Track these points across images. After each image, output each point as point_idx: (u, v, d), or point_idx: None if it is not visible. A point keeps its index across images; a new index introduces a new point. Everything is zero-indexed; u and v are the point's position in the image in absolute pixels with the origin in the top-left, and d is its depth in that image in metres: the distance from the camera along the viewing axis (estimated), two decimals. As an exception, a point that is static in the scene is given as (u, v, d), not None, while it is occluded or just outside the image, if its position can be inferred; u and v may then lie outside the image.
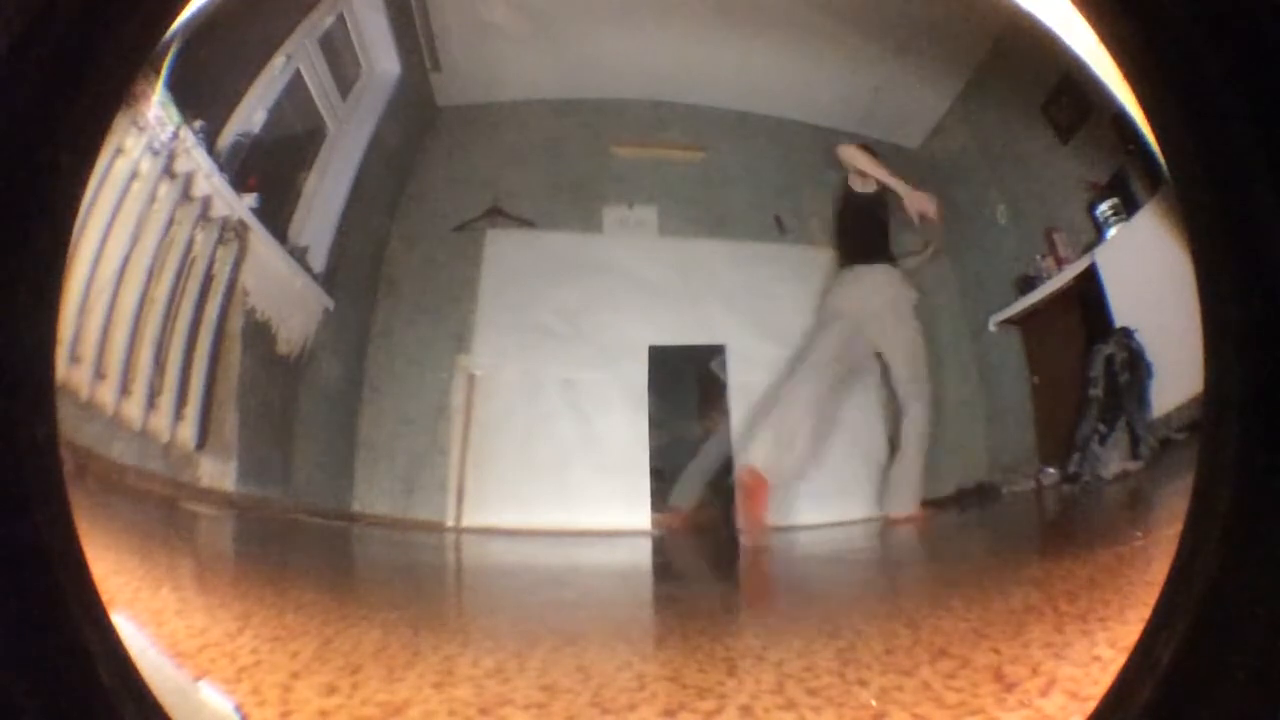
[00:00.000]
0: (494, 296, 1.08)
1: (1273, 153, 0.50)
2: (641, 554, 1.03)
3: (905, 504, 1.03)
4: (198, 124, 0.95)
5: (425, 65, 1.10)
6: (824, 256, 1.12)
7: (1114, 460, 0.96)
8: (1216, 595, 0.52)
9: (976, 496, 1.01)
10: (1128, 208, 0.95)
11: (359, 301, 1.04)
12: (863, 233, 1.11)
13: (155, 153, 0.93)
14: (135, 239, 0.92)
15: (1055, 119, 1.00)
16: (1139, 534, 0.81)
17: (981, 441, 1.05)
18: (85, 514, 0.56)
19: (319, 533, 0.99)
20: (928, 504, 1.04)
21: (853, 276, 1.09)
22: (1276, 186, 0.51)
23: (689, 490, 1.03)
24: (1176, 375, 0.85)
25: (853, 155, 1.08)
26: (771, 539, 1.03)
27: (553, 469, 1.04)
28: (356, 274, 1.05)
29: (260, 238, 1.00)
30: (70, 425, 0.68)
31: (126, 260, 0.91)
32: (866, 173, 1.08)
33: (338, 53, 1.08)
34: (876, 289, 1.10)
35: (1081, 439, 0.98)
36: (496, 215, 1.09)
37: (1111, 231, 0.98)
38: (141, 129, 0.90)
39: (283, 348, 1.01)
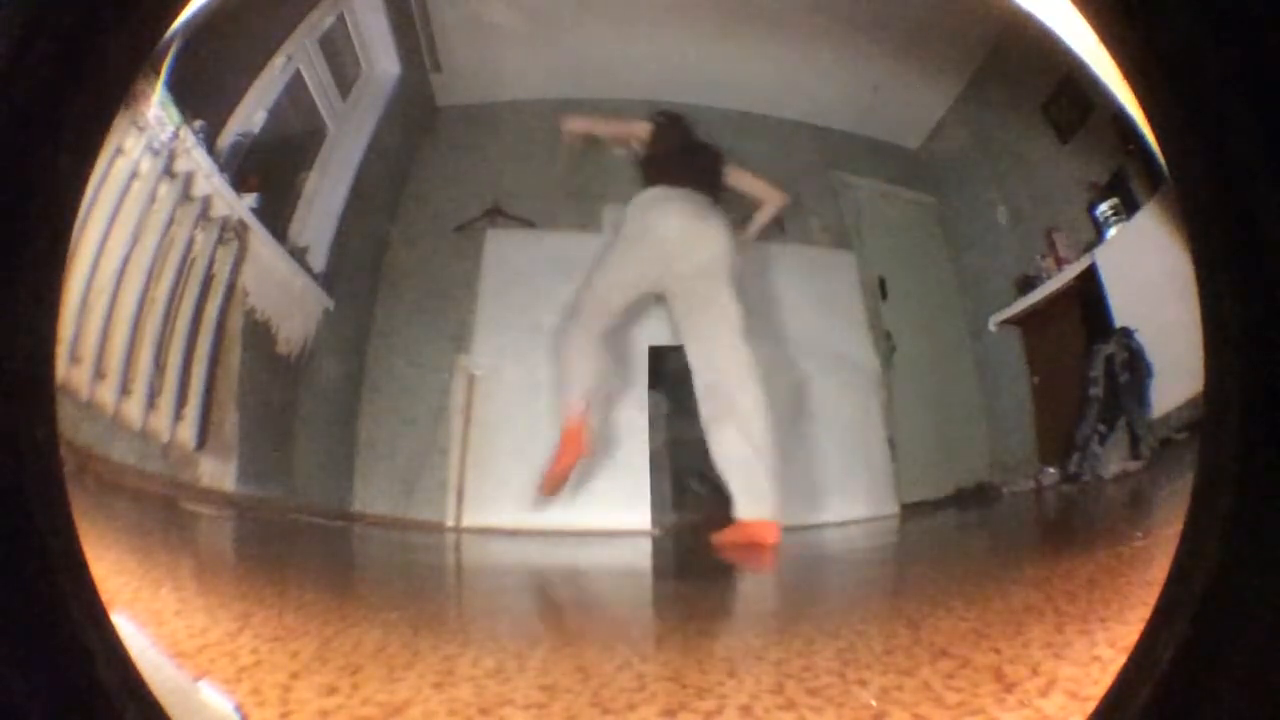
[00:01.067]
0: (494, 296, 1.08)
1: (1273, 153, 0.50)
2: (641, 554, 1.03)
3: (759, 509, 0.99)
4: (198, 124, 0.95)
5: (425, 65, 1.10)
6: (824, 256, 1.12)
7: (1114, 460, 0.96)
8: (1216, 595, 0.52)
9: (976, 496, 1.01)
10: (1128, 208, 0.95)
11: (359, 301, 1.05)
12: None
13: (155, 153, 0.93)
14: (135, 239, 0.92)
15: (1055, 119, 1.00)
16: (1139, 534, 0.81)
17: (981, 441, 1.05)
18: (85, 514, 0.56)
19: (319, 533, 0.99)
20: (926, 504, 1.04)
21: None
22: (1277, 186, 0.51)
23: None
24: (1176, 375, 0.85)
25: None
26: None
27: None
28: (356, 274, 1.06)
29: (260, 238, 1.00)
30: (70, 425, 0.68)
31: (126, 260, 0.91)
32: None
33: (338, 53, 1.08)
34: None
35: (1081, 439, 0.98)
36: (496, 215, 1.09)
37: (1111, 231, 0.98)
38: (141, 129, 0.90)
39: (283, 348, 1.01)
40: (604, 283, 1.03)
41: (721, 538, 0.98)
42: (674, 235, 1.05)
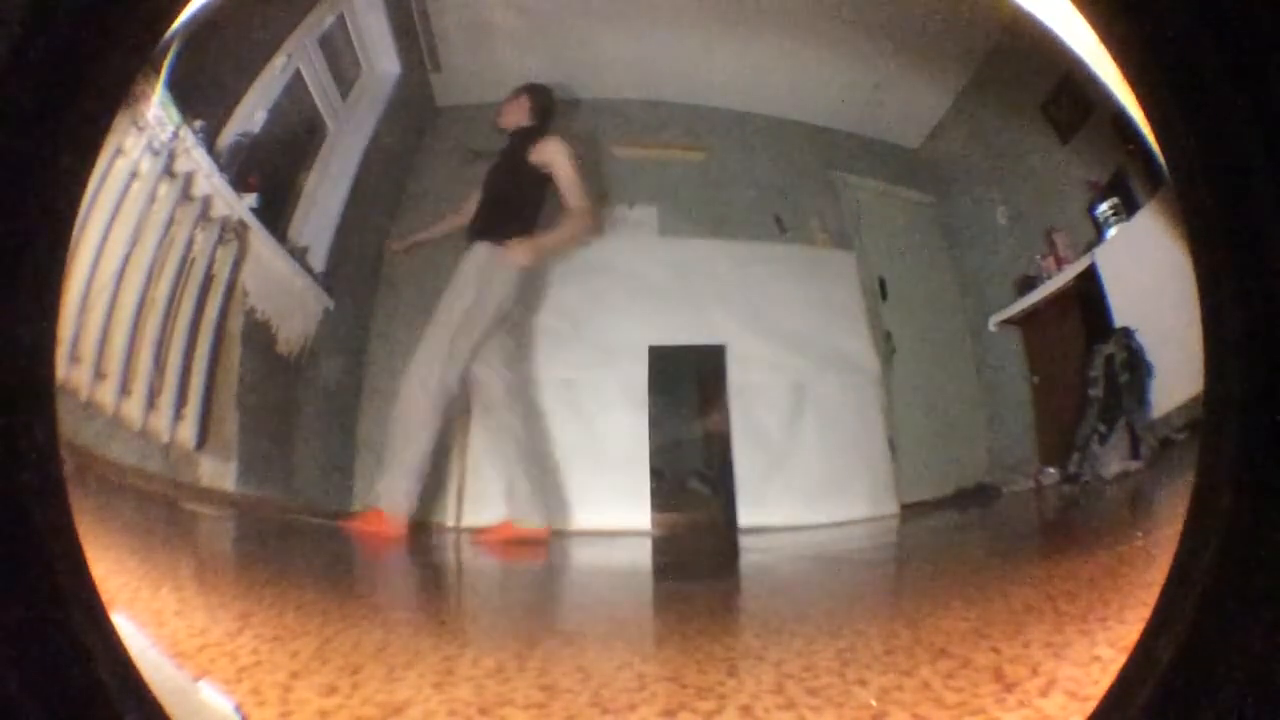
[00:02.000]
0: (494, 296, 1.08)
1: (1273, 153, 0.50)
2: (641, 554, 1.03)
3: (523, 512, 1.02)
4: (198, 124, 0.95)
5: (425, 65, 1.10)
6: (824, 256, 1.12)
7: (1114, 460, 0.96)
8: (1216, 595, 0.52)
9: (976, 496, 1.01)
10: (1128, 208, 0.95)
11: (359, 301, 1.04)
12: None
13: (155, 153, 0.93)
14: (135, 239, 0.92)
15: (1055, 119, 1.00)
16: (1139, 534, 0.81)
17: (981, 441, 1.05)
18: (85, 514, 0.56)
19: (319, 533, 0.99)
20: (926, 504, 1.04)
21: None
22: (1277, 186, 0.51)
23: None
24: (1176, 375, 0.85)
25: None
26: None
27: (553, 469, 1.04)
28: (356, 274, 1.05)
29: (260, 238, 1.00)
30: (70, 425, 0.68)
31: (126, 260, 0.91)
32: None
33: (338, 53, 1.08)
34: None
35: (1081, 439, 0.98)
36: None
37: (1111, 231, 0.98)
38: (141, 129, 0.90)
39: (283, 348, 1.01)
40: None
41: (485, 535, 1.02)
42: None
